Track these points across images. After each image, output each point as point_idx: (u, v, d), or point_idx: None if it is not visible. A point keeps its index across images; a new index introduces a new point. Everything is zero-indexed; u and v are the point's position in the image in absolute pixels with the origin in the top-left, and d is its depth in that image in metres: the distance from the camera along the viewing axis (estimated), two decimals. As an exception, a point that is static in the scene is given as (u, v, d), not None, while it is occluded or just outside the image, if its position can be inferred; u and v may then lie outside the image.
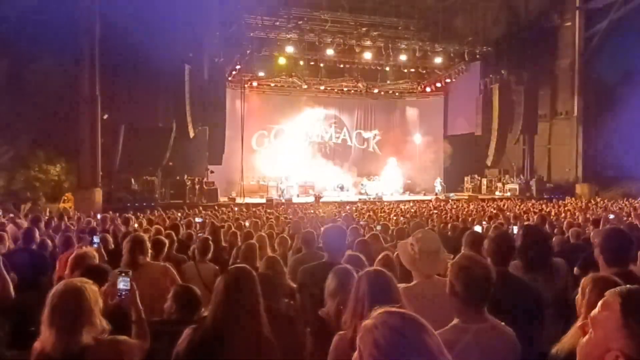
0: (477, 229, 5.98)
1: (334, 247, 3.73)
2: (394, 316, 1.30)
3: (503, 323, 2.22)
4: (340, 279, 2.65)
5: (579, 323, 1.86)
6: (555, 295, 3.34)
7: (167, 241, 4.79)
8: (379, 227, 7.68)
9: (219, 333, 2.34)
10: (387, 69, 24.71)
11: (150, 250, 4.17)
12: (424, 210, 14.70)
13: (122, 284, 2.55)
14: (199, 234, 6.76)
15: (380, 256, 3.80)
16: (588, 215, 9.97)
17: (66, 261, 3.94)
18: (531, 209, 13.43)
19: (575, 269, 3.96)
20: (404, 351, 1.21)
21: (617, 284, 1.53)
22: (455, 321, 2.17)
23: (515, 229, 6.17)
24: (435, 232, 6.42)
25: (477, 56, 23.72)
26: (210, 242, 5.26)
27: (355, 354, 1.30)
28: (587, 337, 1.37)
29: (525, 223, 6.98)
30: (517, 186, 23.53)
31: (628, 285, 1.40)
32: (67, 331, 2.13)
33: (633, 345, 1.24)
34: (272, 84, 25.64)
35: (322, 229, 4.65)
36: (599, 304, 1.37)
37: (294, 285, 3.81)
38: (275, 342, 2.41)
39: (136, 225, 9.02)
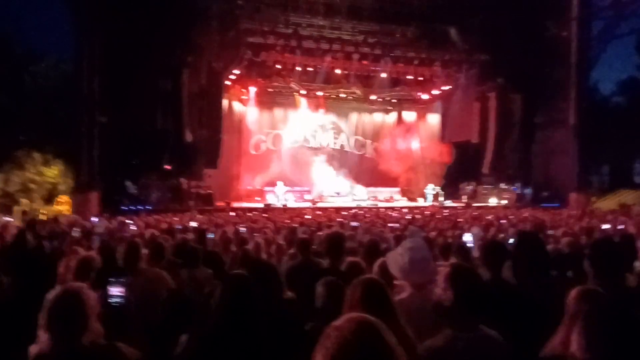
0: (468, 237, 6.00)
1: (335, 254, 3.74)
2: (355, 319, 1.31)
3: (495, 332, 2.23)
4: (330, 291, 2.66)
5: (561, 331, 1.91)
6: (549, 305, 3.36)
7: (166, 245, 4.81)
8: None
9: (219, 340, 2.36)
10: (385, 75, 24.78)
11: (147, 255, 4.19)
12: (419, 217, 14.71)
13: (117, 290, 2.59)
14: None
15: (378, 262, 3.81)
16: (583, 224, 10.01)
17: (66, 266, 3.92)
18: (528, 218, 13.45)
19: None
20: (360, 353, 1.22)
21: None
22: (447, 330, 2.18)
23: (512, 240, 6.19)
24: (431, 239, 6.45)
25: (475, 64, 23.81)
26: (200, 247, 5.28)
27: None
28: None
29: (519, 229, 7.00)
30: (513, 194, 23.56)
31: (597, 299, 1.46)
32: (65, 335, 2.15)
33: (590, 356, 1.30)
34: (270, 90, 25.65)
35: (322, 235, 4.65)
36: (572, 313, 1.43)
37: (290, 294, 3.80)
38: (275, 350, 2.42)
39: (135, 228, 9.03)
